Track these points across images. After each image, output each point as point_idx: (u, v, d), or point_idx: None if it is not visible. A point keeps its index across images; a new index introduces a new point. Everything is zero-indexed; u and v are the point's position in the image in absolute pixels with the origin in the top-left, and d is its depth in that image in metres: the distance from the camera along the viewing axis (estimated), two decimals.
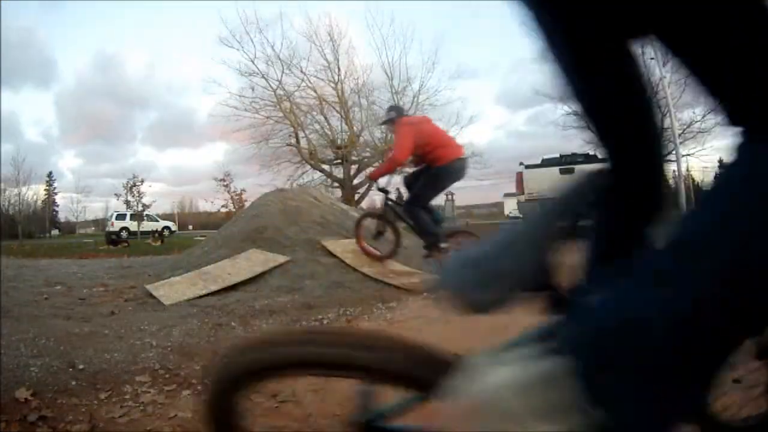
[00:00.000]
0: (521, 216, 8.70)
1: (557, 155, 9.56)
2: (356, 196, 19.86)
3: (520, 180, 7.92)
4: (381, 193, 4.19)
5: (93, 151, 75.68)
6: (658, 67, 17.64)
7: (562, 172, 7.72)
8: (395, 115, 4.07)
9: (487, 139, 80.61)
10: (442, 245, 3.89)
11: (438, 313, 2.98)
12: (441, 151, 3.84)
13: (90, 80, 67.77)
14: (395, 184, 4.49)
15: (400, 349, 0.58)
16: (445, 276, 0.61)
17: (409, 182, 4.13)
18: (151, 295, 3.54)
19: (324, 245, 4.37)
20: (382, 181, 4.17)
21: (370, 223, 4.42)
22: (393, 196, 4.30)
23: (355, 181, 20.03)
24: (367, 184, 4.54)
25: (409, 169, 4.40)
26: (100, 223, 42.51)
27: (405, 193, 4.25)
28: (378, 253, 4.20)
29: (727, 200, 0.40)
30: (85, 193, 41.76)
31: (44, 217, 39.59)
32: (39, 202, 40.21)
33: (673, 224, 0.48)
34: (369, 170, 4.32)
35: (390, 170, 4.05)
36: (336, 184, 20.04)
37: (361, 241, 4.19)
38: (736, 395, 1.58)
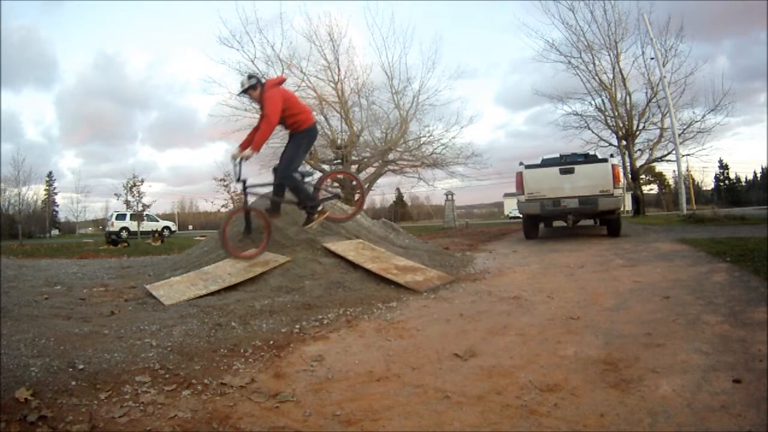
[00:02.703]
0: (521, 216, 8.69)
1: (557, 155, 9.54)
2: (356, 196, 19.85)
3: (520, 180, 7.89)
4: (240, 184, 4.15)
5: (93, 151, 75.92)
6: (658, 67, 17.71)
7: (562, 172, 7.69)
8: (256, 81, 4.05)
9: (487, 139, 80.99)
10: (320, 208, 4.13)
11: (438, 313, 2.98)
12: (303, 116, 4.12)
13: (90, 80, 67.89)
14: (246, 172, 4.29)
15: None
16: None
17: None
18: (151, 295, 3.54)
19: (326, 246, 4.37)
20: (237, 170, 4.05)
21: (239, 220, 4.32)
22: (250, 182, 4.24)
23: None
24: (238, 161, 4.16)
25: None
26: (100, 223, 42.49)
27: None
28: (250, 252, 4.07)
29: None
30: (85, 193, 41.79)
31: (44, 217, 39.54)
32: (39, 202, 40.16)
33: None
34: (247, 152, 4.04)
35: (269, 133, 3.97)
36: (336, 184, 20.03)
37: (227, 245, 3.99)
38: (737, 395, 1.59)
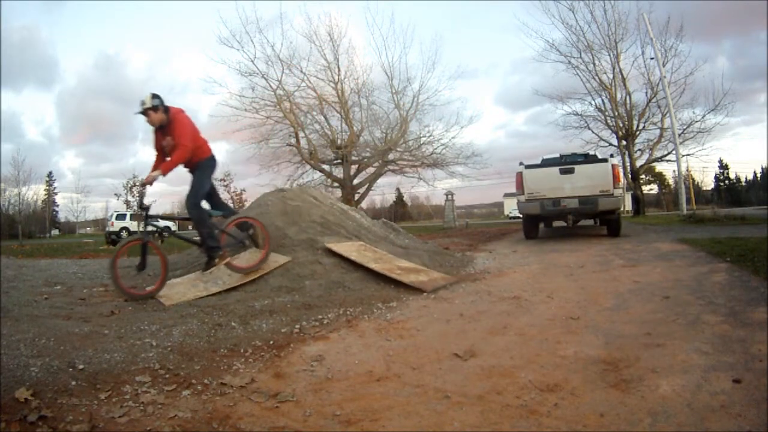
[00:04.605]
0: (521, 216, 8.70)
1: (557, 155, 9.55)
2: (356, 196, 19.88)
3: (520, 180, 7.89)
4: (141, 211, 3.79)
5: (93, 151, 76.11)
6: (658, 67, 17.71)
7: (562, 172, 7.70)
8: (160, 103, 3.65)
9: (487, 139, 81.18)
10: (221, 253, 3.78)
11: (438, 313, 2.98)
12: (205, 146, 3.90)
13: (91, 80, 68.01)
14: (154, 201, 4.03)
15: None
16: None
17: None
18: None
19: (328, 248, 4.35)
20: (140, 197, 3.71)
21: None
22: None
23: (355, 181, 20.04)
24: (140, 189, 3.90)
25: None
26: (100, 223, 42.56)
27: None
28: (143, 291, 3.62)
29: None
30: (85, 193, 41.93)
31: (44, 217, 39.59)
32: (39, 202, 40.25)
33: None
34: (154, 173, 3.61)
35: (183, 161, 3.65)
36: (336, 184, 20.04)
37: (118, 281, 3.49)
38: (737, 395, 1.59)
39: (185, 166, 3.80)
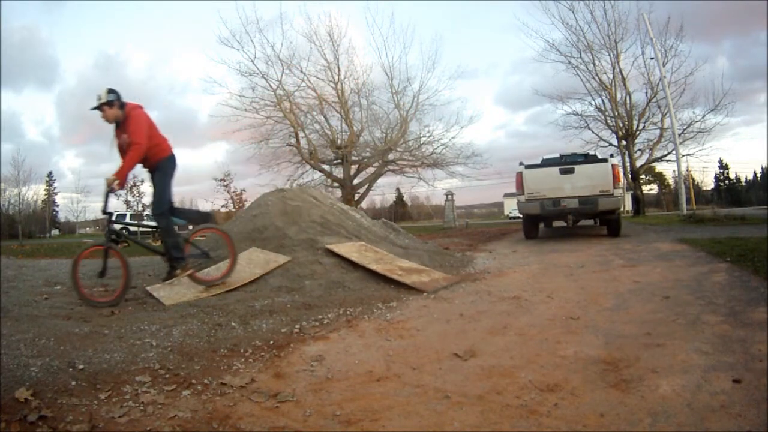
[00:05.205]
0: (521, 216, 8.71)
1: (557, 155, 9.55)
2: (356, 196, 19.88)
3: (520, 180, 7.90)
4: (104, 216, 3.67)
5: (93, 151, 75.87)
6: (658, 67, 17.70)
7: (562, 172, 7.70)
8: (116, 98, 3.48)
9: (487, 139, 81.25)
10: (184, 265, 3.62)
11: (438, 313, 2.98)
12: (165, 143, 3.67)
13: (91, 80, 67.98)
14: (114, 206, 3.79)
15: None
16: None
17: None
18: (151, 295, 3.54)
19: (328, 248, 4.35)
20: (105, 201, 3.51)
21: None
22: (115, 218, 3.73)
23: (355, 181, 20.04)
24: (106, 195, 3.44)
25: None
26: (100, 223, 42.54)
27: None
28: (103, 299, 3.47)
29: None
30: (85, 193, 41.86)
31: (44, 217, 39.61)
32: (39, 202, 40.27)
33: None
34: (110, 177, 3.35)
35: (137, 161, 3.46)
36: (336, 184, 20.04)
37: (80, 287, 3.39)
38: (737, 395, 1.59)
39: (144, 166, 3.62)
